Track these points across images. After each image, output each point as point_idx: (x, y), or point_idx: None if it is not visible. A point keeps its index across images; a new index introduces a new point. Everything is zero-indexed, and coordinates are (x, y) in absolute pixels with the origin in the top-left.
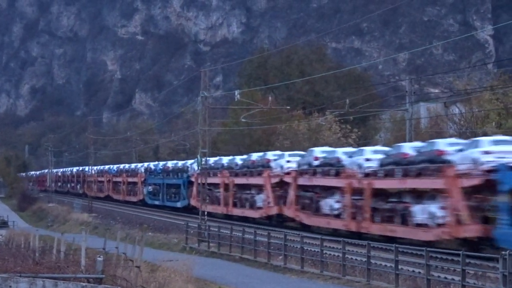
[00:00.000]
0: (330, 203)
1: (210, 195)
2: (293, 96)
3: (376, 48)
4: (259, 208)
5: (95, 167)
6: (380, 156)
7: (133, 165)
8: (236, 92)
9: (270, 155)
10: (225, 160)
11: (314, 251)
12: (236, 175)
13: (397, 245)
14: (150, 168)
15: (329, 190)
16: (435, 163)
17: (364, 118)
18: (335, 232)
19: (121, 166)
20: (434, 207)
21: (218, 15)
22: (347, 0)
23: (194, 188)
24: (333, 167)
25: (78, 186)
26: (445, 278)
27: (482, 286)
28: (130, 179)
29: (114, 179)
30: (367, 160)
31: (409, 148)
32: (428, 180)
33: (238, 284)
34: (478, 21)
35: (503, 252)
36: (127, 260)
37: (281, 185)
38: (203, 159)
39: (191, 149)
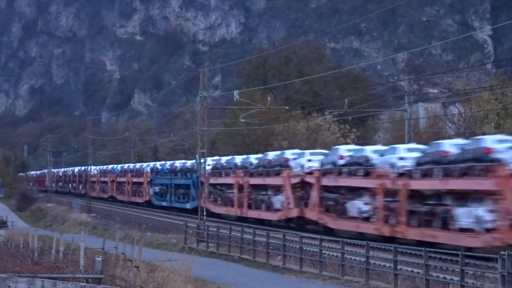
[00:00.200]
0: (358, 205)
1: (222, 196)
2: (292, 96)
3: (375, 48)
4: (277, 210)
5: (98, 167)
6: (416, 154)
7: (138, 165)
8: (235, 92)
9: (289, 153)
10: (238, 159)
11: (313, 251)
12: (251, 175)
13: (396, 245)
14: (157, 168)
15: (357, 191)
16: (483, 162)
17: (363, 118)
18: (360, 236)
19: (126, 165)
20: (481, 210)
21: (217, 15)
22: (346, 0)
23: (205, 189)
24: (362, 166)
25: (80, 187)
26: (444, 278)
27: (481, 286)
28: (135, 179)
29: (118, 179)
30: (401, 159)
31: (450, 145)
32: (475, 180)
33: (236, 284)
34: (476, 21)
35: (502, 252)
36: (126, 260)
37: (302, 186)
38: (202, 159)
39: (189, 149)
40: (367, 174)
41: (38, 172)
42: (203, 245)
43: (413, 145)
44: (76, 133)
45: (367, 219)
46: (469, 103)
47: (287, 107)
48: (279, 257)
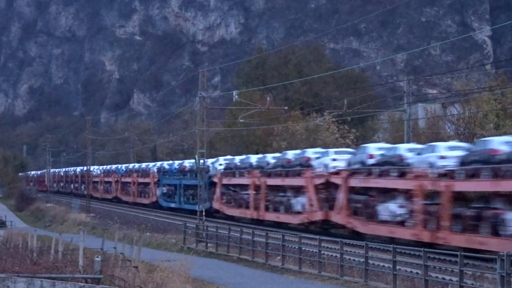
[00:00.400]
0: (391, 208)
1: (236, 197)
2: (291, 96)
3: (374, 48)
4: (298, 213)
5: (101, 167)
6: (459, 153)
7: (143, 165)
8: (234, 92)
9: (310, 152)
10: (253, 158)
11: (312, 251)
12: (269, 175)
13: (395, 246)
14: (164, 168)
15: (389, 193)
16: None
17: (362, 118)
18: (391, 241)
19: (131, 165)
20: None
21: (216, 15)
22: (345, 1)
23: (218, 190)
24: (395, 166)
25: (83, 187)
26: (443, 278)
27: (480, 287)
28: (141, 180)
29: (123, 180)
30: (442, 158)
31: (499, 143)
32: None
33: (235, 284)
34: (476, 22)
35: (501, 253)
36: (125, 260)
37: (327, 187)
38: (201, 159)
39: (189, 149)
40: (402, 175)
41: (39, 172)
42: (202, 245)
43: (454, 143)
44: (75, 133)
45: (401, 224)
46: (468, 103)
47: (286, 108)
48: (278, 258)
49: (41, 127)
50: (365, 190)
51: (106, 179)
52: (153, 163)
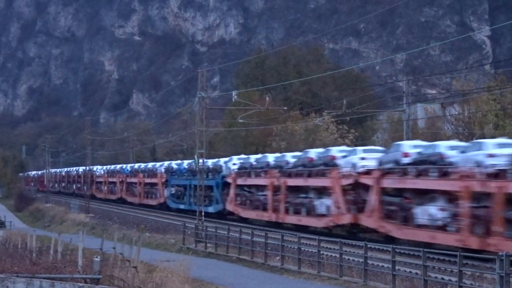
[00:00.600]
0: (430, 212)
1: (252, 199)
2: (290, 96)
3: (373, 49)
4: (322, 215)
5: (104, 167)
6: (510, 151)
7: (150, 165)
8: (233, 92)
9: (335, 151)
10: (270, 158)
11: (311, 251)
12: (289, 175)
13: (394, 246)
14: (172, 168)
15: (427, 195)
16: None
17: (361, 119)
18: (428, 246)
19: (136, 165)
20: None
21: (216, 15)
22: (344, 1)
23: (232, 191)
24: (436, 165)
25: (85, 187)
26: (442, 279)
27: (479, 287)
28: (148, 180)
29: (128, 180)
30: (491, 156)
31: None
32: None
33: (235, 284)
34: (475, 22)
35: (500, 253)
36: (124, 260)
37: (355, 188)
38: (200, 160)
39: (188, 149)
40: (444, 175)
41: (40, 172)
42: (201, 246)
43: (504, 140)
44: (74, 133)
45: (443, 228)
46: (467, 104)
47: (285, 108)
48: (278, 258)
49: (41, 127)
50: (399, 192)
51: (110, 180)
52: (160, 163)
